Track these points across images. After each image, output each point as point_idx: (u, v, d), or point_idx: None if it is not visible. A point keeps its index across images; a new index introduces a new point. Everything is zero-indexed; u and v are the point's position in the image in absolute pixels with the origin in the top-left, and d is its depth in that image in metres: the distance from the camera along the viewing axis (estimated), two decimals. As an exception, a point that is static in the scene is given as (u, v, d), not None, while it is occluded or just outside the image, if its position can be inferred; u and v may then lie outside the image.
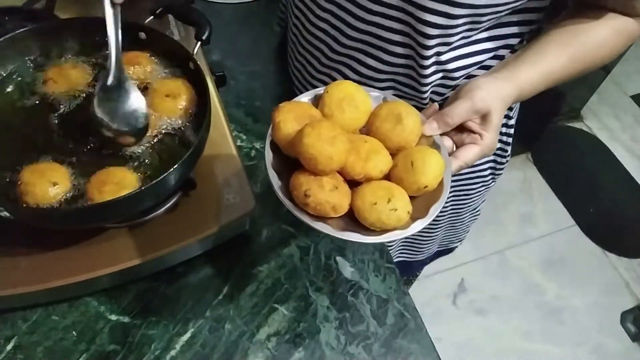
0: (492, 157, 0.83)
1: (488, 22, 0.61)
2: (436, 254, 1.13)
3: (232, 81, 0.87)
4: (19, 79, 0.66)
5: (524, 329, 1.80)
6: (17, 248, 0.62)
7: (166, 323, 0.65)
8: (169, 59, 0.69)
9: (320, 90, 0.56)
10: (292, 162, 0.50)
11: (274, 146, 0.52)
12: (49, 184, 0.56)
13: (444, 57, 0.64)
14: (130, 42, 0.67)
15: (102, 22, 0.58)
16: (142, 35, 0.68)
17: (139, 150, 0.62)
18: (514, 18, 0.64)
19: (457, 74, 0.66)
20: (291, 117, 0.50)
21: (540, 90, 0.62)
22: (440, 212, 0.94)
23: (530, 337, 1.78)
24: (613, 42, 0.62)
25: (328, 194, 0.48)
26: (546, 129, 2.23)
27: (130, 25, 0.67)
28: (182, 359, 0.63)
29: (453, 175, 0.55)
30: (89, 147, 0.61)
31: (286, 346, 0.65)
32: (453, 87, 0.68)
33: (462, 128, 0.57)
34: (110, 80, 0.60)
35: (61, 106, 0.64)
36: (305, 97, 0.56)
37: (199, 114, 0.65)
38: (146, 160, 0.61)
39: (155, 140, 0.63)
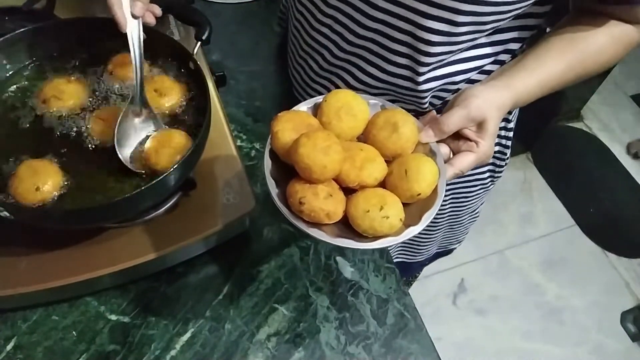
0: (491, 161, 0.83)
1: (491, 28, 0.61)
2: (435, 255, 1.13)
3: (232, 81, 0.87)
4: (19, 79, 0.66)
5: (523, 328, 1.80)
6: (17, 248, 0.62)
7: (166, 323, 0.65)
8: (169, 59, 0.69)
9: (319, 98, 0.57)
10: (290, 169, 0.51)
11: (274, 154, 0.54)
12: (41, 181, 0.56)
13: (445, 64, 0.64)
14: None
15: (102, 22, 0.58)
16: (142, 35, 0.68)
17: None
18: (515, 23, 0.64)
19: (457, 79, 0.66)
20: (289, 126, 0.52)
21: (538, 97, 0.62)
22: (439, 214, 0.95)
23: (530, 337, 1.78)
24: (613, 49, 0.62)
25: (322, 202, 0.49)
26: (546, 129, 2.23)
27: (130, 25, 0.67)
28: (182, 359, 0.63)
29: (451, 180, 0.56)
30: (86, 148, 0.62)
31: (286, 346, 0.65)
32: (454, 91, 0.68)
33: (458, 135, 0.58)
34: (135, 103, 0.61)
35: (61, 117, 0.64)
36: (304, 106, 0.57)
37: (199, 114, 0.65)
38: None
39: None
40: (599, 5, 0.61)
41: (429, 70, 0.64)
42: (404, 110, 0.56)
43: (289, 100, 0.84)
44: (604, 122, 2.37)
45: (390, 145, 0.53)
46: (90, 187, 0.59)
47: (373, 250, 0.74)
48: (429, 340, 0.68)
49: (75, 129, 0.63)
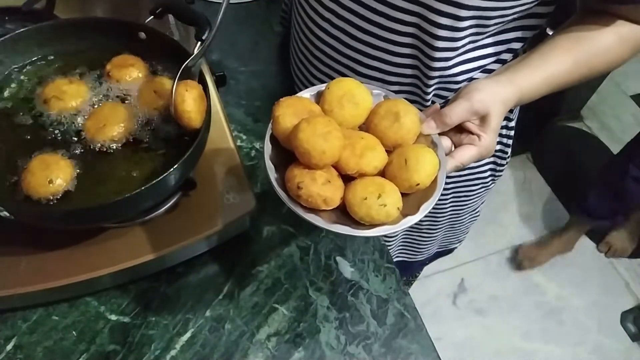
0: (492, 159, 0.83)
1: (495, 27, 0.61)
2: (436, 254, 1.13)
3: (232, 81, 0.87)
4: (20, 79, 0.66)
5: (523, 328, 1.80)
6: (17, 248, 0.62)
7: (166, 323, 0.65)
8: (169, 58, 0.69)
9: (322, 86, 0.57)
10: (290, 155, 0.52)
11: (274, 140, 0.54)
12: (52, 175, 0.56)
13: (450, 62, 0.64)
14: (129, 41, 0.67)
15: (103, 22, 0.58)
16: (142, 35, 0.68)
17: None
18: (519, 23, 0.64)
19: (459, 78, 0.67)
20: (290, 111, 0.52)
21: (542, 94, 0.62)
22: (440, 213, 0.96)
23: (530, 337, 1.79)
24: (620, 49, 0.62)
25: (320, 187, 0.49)
26: (546, 129, 2.23)
27: (130, 25, 0.67)
28: (182, 359, 0.63)
29: (452, 176, 0.55)
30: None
31: (286, 346, 0.65)
32: (455, 90, 0.68)
33: (461, 129, 0.57)
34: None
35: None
36: (307, 93, 0.57)
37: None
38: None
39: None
40: (604, 5, 0.61)
41: (433, 68, 0.64)
42: (406, 100, 0.56)
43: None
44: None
45: (391, 134, 0.53)
46: (91, 188, 0.59)
47: (373, 249, 0.74)
48: (429, 340, 0.68)
49: (75, 129, 0.63)
